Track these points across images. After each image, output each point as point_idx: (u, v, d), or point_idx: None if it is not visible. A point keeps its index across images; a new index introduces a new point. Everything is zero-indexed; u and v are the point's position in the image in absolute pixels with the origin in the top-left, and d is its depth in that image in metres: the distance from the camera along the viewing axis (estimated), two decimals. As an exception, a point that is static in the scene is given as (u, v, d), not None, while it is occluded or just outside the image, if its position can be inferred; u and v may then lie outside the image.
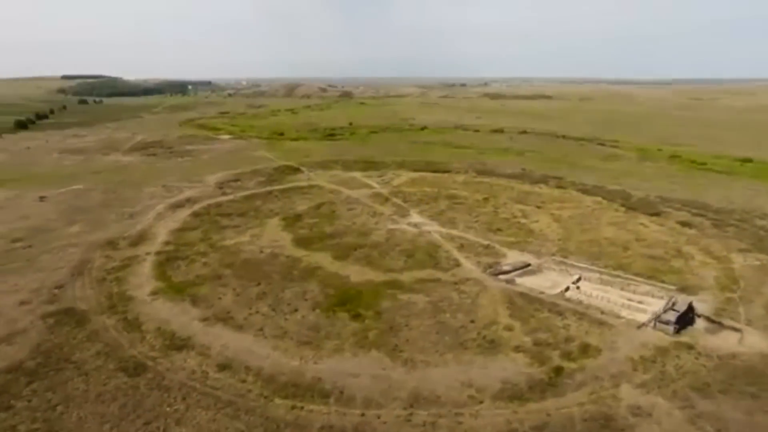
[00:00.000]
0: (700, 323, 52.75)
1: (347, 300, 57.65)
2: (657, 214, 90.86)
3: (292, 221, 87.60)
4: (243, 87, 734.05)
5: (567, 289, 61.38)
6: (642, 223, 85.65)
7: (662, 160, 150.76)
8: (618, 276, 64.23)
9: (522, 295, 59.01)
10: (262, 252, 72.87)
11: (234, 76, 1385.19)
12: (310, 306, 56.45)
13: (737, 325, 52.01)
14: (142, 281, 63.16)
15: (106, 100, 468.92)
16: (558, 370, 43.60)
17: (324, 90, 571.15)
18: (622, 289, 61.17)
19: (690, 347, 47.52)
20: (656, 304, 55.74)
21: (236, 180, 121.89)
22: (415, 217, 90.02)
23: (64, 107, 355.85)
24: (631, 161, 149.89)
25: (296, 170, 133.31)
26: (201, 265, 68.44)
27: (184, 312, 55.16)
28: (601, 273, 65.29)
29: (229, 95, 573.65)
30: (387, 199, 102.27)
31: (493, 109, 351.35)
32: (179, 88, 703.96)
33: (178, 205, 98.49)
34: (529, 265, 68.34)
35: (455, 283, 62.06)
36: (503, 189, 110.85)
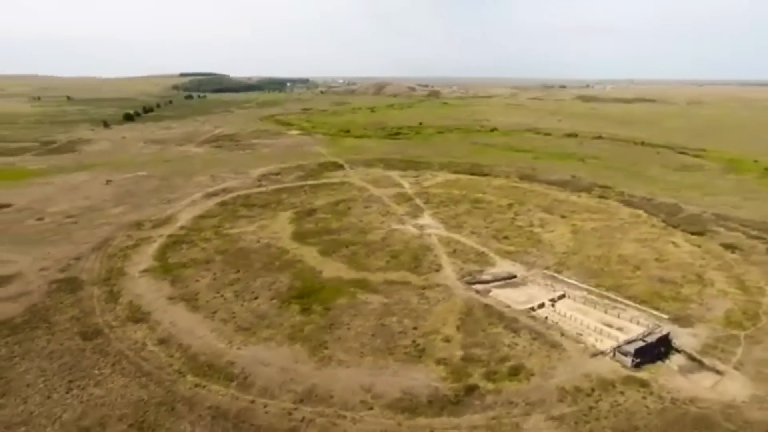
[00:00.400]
0: (677, 359, 46.06)
1: (307, 294, 58.80)
2: (700, 233, 79.88)
3: (303, 215, 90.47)
4: (337, 85, 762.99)
5: (542, 305, 56.77)
6: (674, 242, 75.92)
7: (751, 174, 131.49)
8: (607, 297, 57.96)
9: (486, 307, 55.78)
10: (258, 242, 76.43)
11: (331, 74, 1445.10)
12: (270, 296, 58.46)
13: (721, 367, 44.64)
14: (142, 260, 69.67)
15: (210, 96, 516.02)
16: (470, 389, 40.90)
17: (413, 89, 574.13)
18: (605, 312, 55.18)
19: (644, 384, 41.83)
20: (636, 332, 49.54)
21: (277, 174, 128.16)
22: (425, 219, 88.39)
23: (170, 102, 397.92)
24: (709, 173, 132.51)
25: (339, 167, 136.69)
26: (199, 249, 73.66)
27: (159, 290, 60.09)
28: (588, 292, 59.36)
29: (321, 92, 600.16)
30: (408, 199, 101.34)
31: (581, 112, 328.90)
32: (278, 85, 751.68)
33: (213, 194, 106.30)
34: (514, 276, 64.16)
35: (422, 288, 60.34)
36: (536, 195, 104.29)
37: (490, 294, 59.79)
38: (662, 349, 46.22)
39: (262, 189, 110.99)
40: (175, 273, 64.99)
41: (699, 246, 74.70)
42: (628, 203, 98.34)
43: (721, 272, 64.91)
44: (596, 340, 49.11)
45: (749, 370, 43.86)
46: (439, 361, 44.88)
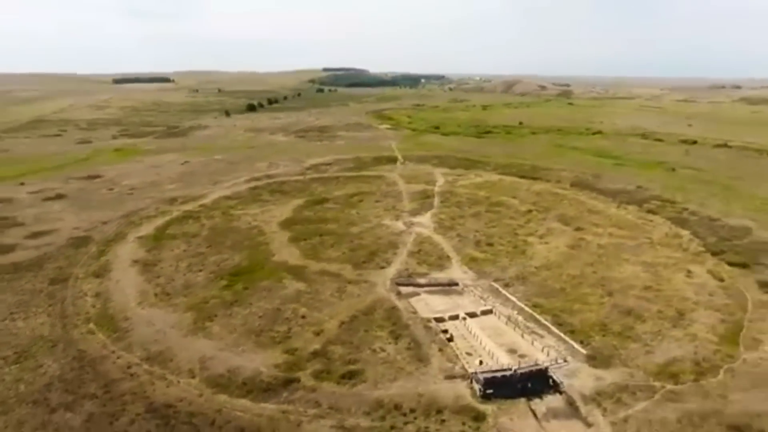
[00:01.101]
0: (552, 399, 39.43)
1: (242, 273, 62.58)
2: (742, 265, 64.58)
3: (311, 204, 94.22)
4: (468, 83, 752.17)
5: (455, 317, 52.46)
6: (690, 270, 62.73)
7: None
8: (536, 321, 51.06)
9: (392, 309, 53.49)
10: (249, 224, 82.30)
11: (471, 71, 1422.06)
12: (213, 270, 63.50)
13: (596, 420, 37.15)
14: (147, 229, 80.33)
15: (341, 90, 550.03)
16: (289, 382, 40.83)
17: (543, 88, 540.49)
18: (521, 335, 48.94)
19: (477, 418, 37.00)
20: (535, 360, 43.35)
21: (329, 164, 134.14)
22: (424, 217, 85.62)
23: (299, 94, 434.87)
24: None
25: (393, 161, 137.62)
26: (198, 225, 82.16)
27: (134, 253, 69.31)
28: (518, 312, 52.87)
29: (450, 89, 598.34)
30: (427, 197, 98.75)
31: (733, 117, 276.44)
32: (412, 81, 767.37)
33: (255, 179, 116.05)
34: (455, 284, 59.77)
35: (348, 282, 59.92)
36: (569, 204, 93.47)
37: (416, 298, 56.82)
38: (529, 384, 39.70)
39: (300, 177, 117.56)
40: (160, 242, 73.82)
41: (722, 279, 60.52)
42: (679, 221, 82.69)
43: (716, 313, 52.18)
44: (478, 363, 44.09)
45: (628, 429, 35.69)
46: (289, 351, 44.97)
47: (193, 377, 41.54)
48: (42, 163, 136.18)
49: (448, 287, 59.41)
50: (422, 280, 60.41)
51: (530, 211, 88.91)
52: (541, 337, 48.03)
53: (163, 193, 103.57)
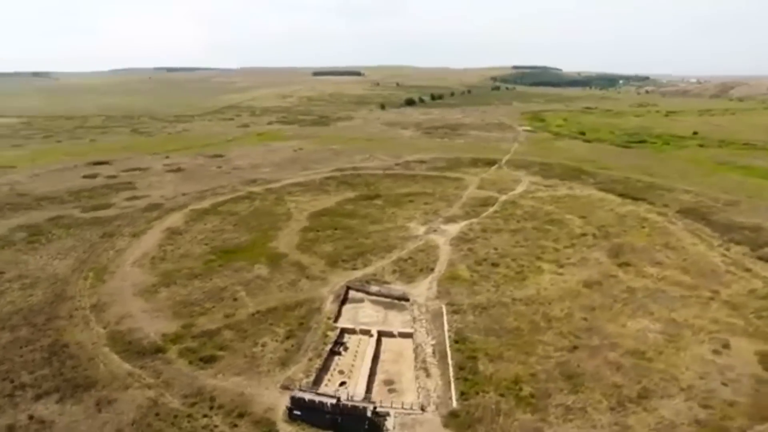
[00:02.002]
0: (367, 443, 34.81)
1: (235, 252, 68.18)
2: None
3: (358, 198, 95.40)
4: (677, 85, 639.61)
5: (366, 332, 48.96)
6: (727, 347, 45.87)
7: None
8: (443, 358, 44.42)
9: (315, 310, 52.44)
10: (287, 210, 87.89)
11: (694, 72, 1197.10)
12: (216, 245, 70.47)
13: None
14: (207, 203, 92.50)
15: (521, 88, 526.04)
16: (134, 346, 44.07)
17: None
18: (415, 368, 43.42)
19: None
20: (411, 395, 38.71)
21: (422, 162, 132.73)
22: (459, 226, 79.28)
23: (468, 91, 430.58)
24: None
25: (491, 164, 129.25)
26: (247, 205, 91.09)
27: (175, 222, 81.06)
28: (437, 344, 46.48)
29: (646, 92, 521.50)
30: (483, 205, 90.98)
31: None
32: (607, 81, 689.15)
33: (339, 170, 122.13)
34: (405, 299, 55.12)
35: (307, 277, 60.36)
36: (645, 234, 75.44)
37: (354, 305, 54.55)
38: (340, 419, 35.15)
39: (380, 172, 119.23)
40: (204, 216, 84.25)
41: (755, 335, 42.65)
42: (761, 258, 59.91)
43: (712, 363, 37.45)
44: (338, 384, 40.94)
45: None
46: (186, 326, 48.32)
47: (104, 328, 48.05)
48: (198, 141, 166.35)
49: (396, 300, 54.84)
50: (374, 288, 57.01)
51: (584, 235, 74.59)
52: (429, 376, 41.35)
53: (255, 174, 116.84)
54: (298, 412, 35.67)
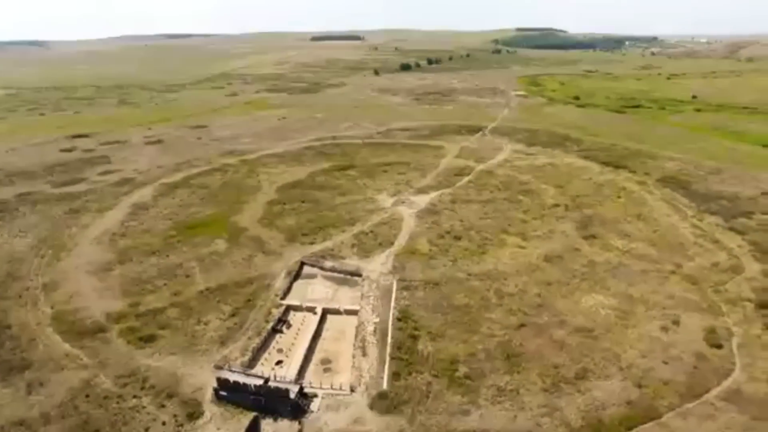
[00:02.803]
0: (282, 426, 34.40)
1: (197, 226, 67.24)
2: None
3: (331, 170, 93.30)
4: (686, 46, 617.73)
5: (311, 309, 48.36)
6: (676, 323, 44.91)
7: None
8: (384, 336, 43.86)
9: (266, 287, 51.87)
10: (257, 183, 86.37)
11: (705, 32, 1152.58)
12: (180, 220, 69.55)
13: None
14: (179, 176, 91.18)
15: (523, 51, 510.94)
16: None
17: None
18: (354, 347, 42.94)
19: (192, 415, 34.89)
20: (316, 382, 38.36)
21: (405, 130, 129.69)
22: (429, 197, 77.53)
23: (467, 55, 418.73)
24: None
25: (475, 131, 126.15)
26: (218, 178, 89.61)
27: (144, 196, 80.00)
28: (380, 322, 45.87)
29: (652, 54, 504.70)
30: (458, 175, 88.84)
31: None
32: (614, 43, 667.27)
33: (319, 139, 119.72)
34: (358, 275, 54.27)
35: (264, 252, 59.54)
36: (619, 205, 73.69)
37: (306, 281, 53.89)
38: (263, 401, 34.87)
39: (358, 141, 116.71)
40: (174, 190, 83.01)
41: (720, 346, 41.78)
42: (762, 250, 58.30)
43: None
44: (275, 363, 40.66)
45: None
46: (133, 304, 48.01)
47: (51, 308, 47.84)
48: (183, 111, 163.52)
49: (349, 276, 54.08)
50: (328, 264, 56.20)
51: (556, 206, 72.96)
52: (365, 356, 40.88)
53: (233, 145, 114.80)
54: (225, 393, 35.40)
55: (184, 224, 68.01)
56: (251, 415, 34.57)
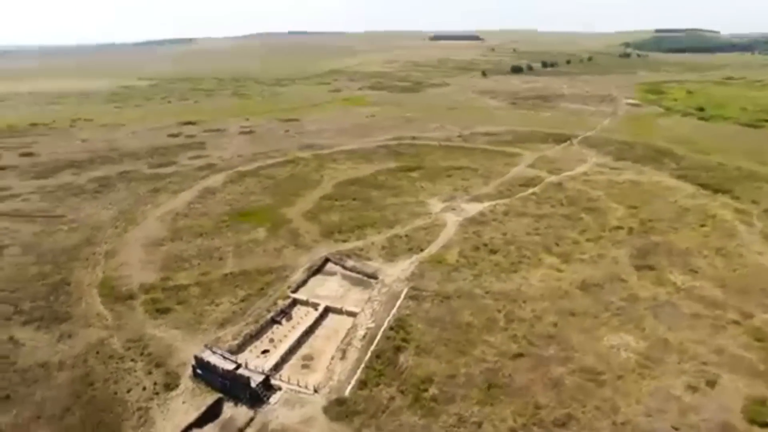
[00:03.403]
0: (239, 411, 35.79)
1: (249, 214, 72.06)
2: None
3: (396, 170, 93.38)
4: None
5: (316, 306, 49.35)
6: (722, 349, 38.11)
7: None
8: (370, 342, 43.40)
9: (283, 278, 54.13)
10: (320, 178, 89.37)
11: None
12: (237, 207, 75.14)
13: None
14: (254, 166, 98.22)
15: (657, 56, 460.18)
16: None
17: None
18: (336, 349, 43.24)
19: (168, 386, 37.99)
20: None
21: (489, 134, 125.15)
22: (473, 206, 74.50)
23: (589, 59, 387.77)
24: None
25: (562, 140, 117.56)
26: (288, 170, 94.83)
27: (216, 182, 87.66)
28: (374, 327, 45.37)
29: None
30: (524, 185, 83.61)
31: None
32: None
33: (397, 138, 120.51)
34: (375, 277, 54.05)
35: (296, 246, 61.79)
36: (688, 232, 63.65)
37: (323, 276, 55.23)
38: (228, 384, 36.45)
39: (436, 143, 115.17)
40: (244, 178, 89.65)
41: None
42: None
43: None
44: (261, 352, 42.56)
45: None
46: (166, 278, 53.08)
47: (102, 273, 54.98)
48: (284, 104, 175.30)
49: (366, 278, 54.01)
50: (350, 263, 56.65)
51: (618, 228, 65.38)
52: (343, 359, 40.66)
53: (315, 139, 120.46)
54: (200, 372, 37.69)
55: (239, 211, 73.12)
56: (216, 396, 36.32)
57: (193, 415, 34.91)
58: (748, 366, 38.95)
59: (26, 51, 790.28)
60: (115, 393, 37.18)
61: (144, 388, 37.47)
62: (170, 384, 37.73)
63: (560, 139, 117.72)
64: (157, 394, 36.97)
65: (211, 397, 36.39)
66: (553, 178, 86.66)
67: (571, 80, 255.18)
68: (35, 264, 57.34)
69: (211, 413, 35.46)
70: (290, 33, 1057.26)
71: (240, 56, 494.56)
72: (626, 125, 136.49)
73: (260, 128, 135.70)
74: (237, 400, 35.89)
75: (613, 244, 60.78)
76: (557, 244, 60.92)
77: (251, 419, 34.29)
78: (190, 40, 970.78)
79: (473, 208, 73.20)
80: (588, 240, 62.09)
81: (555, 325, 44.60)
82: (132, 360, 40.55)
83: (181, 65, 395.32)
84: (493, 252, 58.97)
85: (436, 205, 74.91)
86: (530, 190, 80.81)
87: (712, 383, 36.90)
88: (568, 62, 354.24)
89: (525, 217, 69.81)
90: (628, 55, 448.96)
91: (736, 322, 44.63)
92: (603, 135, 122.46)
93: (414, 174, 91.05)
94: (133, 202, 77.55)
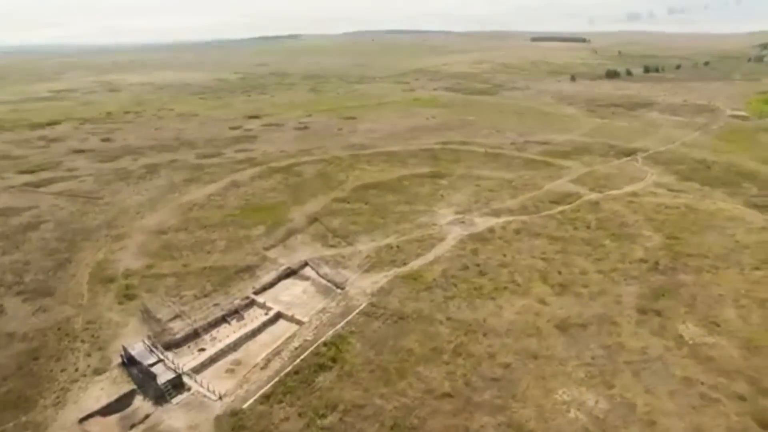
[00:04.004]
0: (137, 402, 36.52)
1: (259, 210, 73.70)
2: None
3: (424, 176, 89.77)
4: None
5: (267, 309, 48.87)
6: (699, 427, 31.46)
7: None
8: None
9: (260, 263, 54.50)
10: (345, 178, 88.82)
11: None
12: (252, 203, 77.35)
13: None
14: (290, 161, 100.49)
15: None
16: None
17: None
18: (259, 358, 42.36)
19: (97, 370, 39.83)
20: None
21: (544, 143, 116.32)
22: (490, 220, 69.55)
23: (705, 63, 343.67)
24: None
25: (626, 155, 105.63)
26: (316, 169, 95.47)
27: (245, 176, 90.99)
28: (301, 344, 43.71)
29: None
30: (555, 202, 76.26)
31: None
32: None
33: (444, 143, 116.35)
34: (341, 287, 52.38)
35: (283, 245, 62.13)
36: (733, 276, 53.02)
37: (297, 281, 54.60)
38: (141, 376, 37.05)
39: (481, 150, 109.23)
40: (272, 174, 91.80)
41: None
42: None
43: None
44: (198, 350, 43.16)
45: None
46: (180, 265, 55.94)
47: (102, 255, 59.27)
48: (351, 102, 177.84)
49: (334, 287, 52.34)
50: (323, 270, 55.30)
51: (643, 261, 56.69)
52: (263, 369, 39.50)
53: (360, 140, 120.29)
54: (126, 362, 38.88)
55: (251, 206, 74.96)
56: (131, 388, 37.13)
57: (101, 403, 35.89)
58: (726, 454, 31.13)
59: (163, 46, 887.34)
60: (51, 370, 39.46)
61: (76, 370, 39.38)
62: (99, 369, 39.27)
63: (625, 152, 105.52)
64: (84, 376, 38.67)
65: (126, 388, 37.20)
66: (592, 197, 77.60)
67: (673, 87, 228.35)
68: (57, 240, 63.33)
69: (122, 404, 36.24)
70: (389, 32, 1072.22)
71: (334, 53, 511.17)
72: (715, 141, 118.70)
73: (316, 125, 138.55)
74: (146, 394, 36.29)
75: (625, 279, 52.61)
76: (559, 273, 54.18)
77: (147, 416, 34.47)
78: (296, 37, 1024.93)
79: (485, 223, 67.90)
80: (598, 271, 54.42)
81: (507, 366, 39.44)
82: (81, 341, 42.93)
83: (275, 60, 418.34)
84: (482, 274, 53.99)
85: (446, 217, 70.67)
86: (559, 208, 73.09)
87: (664, 468, 29.98)
88: (678, 67, 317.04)
89: (538, 238, 63.16)
90: (761, 59, 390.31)
91: (740, 398, 36.04)
92: (680, 150, 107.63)
93: (442, 181, 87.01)
94: (165, 191, 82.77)
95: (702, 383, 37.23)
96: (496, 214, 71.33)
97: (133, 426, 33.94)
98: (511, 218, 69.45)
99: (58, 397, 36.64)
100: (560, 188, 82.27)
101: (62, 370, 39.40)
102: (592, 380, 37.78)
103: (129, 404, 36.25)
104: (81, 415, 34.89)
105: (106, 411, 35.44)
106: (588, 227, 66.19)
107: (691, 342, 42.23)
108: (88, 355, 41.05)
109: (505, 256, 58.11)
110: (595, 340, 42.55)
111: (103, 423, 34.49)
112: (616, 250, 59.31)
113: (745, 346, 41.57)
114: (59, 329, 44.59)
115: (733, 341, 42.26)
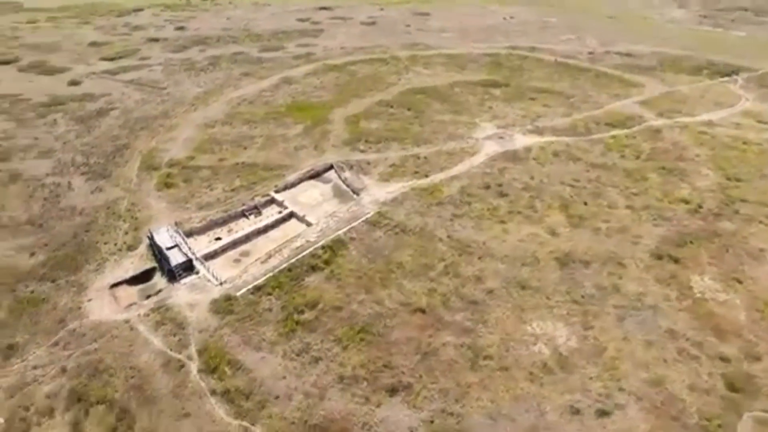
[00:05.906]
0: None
1: (301, 109, 75.03)
2: None
3: (478, 83, 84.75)
4: None
5: (283, 208, 52.21)
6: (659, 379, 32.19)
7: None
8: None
9: (290, 165, 57.62)
10: (391, 82, 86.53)
11: None
12: (295, 100, 78.84)
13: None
14: (345, 60, 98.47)
15: None
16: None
17: None
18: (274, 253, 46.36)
19: (131, 247, 46.32)
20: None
21: (627, 55, 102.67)
22: (532, 139, 65.65)
23: None
24: None
25: (731, 73, 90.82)
26: (372, 66, 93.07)
27: (294, 73, 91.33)
28: (310, 240, 46.82)
29: None
30: (611, 124, 69.62)
31: None
32: None
33: (512, 48, 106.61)
34: (356, 193, 54.11)
35: (315, 147, 63.84)
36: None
37: (318, 183, 56.87)
38: (159, 257, 42.81)
39: (551, 58, 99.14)
40: (324, 71, 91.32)
41: None
42: None
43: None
44: (215, 239, 48.19)
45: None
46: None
47: (154, 144, 65.23)
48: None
49: (351, 192, 54.19)
50: (345, 174, 56.70)
51: (684, 202, 51.97)
52: (264, 263, 43.69)
53: (425, 39, 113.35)
54: (151, 243, 44.85)
55: (296, 105, 76.49)
56: (152, 265, 43.29)
57: (129, 274, 42.47)
58: (682, 411, 30.85)
59: None
60: (97, 242, 46.57)
61: (115, 244, 46.18)
62: (132, 246, 45.66)
63: (722, 71, 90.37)
64: (120, 251, 45.35)
65: (149, 265, 43.40)
66: (658, 123, 69.47)
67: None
68: (120, 127, 70.13)
69: (144, 277, 42.63)
70: None
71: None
72: None
73: (386, 19, 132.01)
74: (163, 273, 42.23)
75: (655, 219, 48.89)
76: (585, 203, 51.50)
77: (160, 290, 40.43)
78: None
79: (524, 141, 64.50)
80: (628, 207, 50.92)
81: (489, 292, 40.17)
82: (123, 220, 49.51)
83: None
84: (501, 195, 52.78)
85: (485, 130, 67.69)
86: (612, 132, 66.87)
87: (603, 414, 30.61)
88: None
89: (576, 162, 59.30)
90: None
91: (723, 359, 34.35)
92: None
93: (495, 91, 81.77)
94: (221, 84, 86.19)
95: (687, 339, 35.70)
96: (540, 132, 66.97)
97: (149, 296, 40.01)
98: (554, 138, 65.05)
99: (98, 265, 43.65)
100: (623, 109, 74.19)
101: (105, 243, 46.30)
102: (571, 318, 37.59)
103: (150, 278, 42.41)
104: (113, 282, 41.55)
105: (131, 281, 41.89)
106: (637, 157, 60.51)
107: (698, 295, 39.73)
108: (126, 233, 47.48)
109: (532, 178, 55.75)
110: (592, 278, 41.37)
111: (128, 290, 41.02)
112: (658, 186, 54.36)
113: (758, 309, 38.40)
114: (108, 208, 51.43)
115: (747, 302, 39.15)
